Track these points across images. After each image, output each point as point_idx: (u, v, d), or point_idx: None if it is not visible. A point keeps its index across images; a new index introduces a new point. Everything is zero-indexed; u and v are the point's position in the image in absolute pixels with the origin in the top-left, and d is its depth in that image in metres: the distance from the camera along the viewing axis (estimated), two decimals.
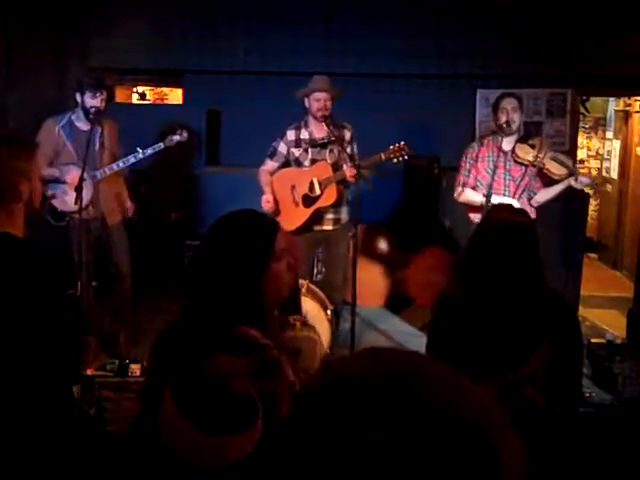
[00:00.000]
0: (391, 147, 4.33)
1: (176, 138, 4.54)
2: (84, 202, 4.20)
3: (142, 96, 8.07)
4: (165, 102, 8.59)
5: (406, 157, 4.35)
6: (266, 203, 4.60)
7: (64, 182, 4.35)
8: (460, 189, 4.47)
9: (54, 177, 4.36)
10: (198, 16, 6.04)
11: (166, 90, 8.57)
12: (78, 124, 4.45)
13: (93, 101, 4.35)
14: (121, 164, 4.47)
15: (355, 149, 4.63)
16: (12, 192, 1.82)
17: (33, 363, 1.75)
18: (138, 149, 4.48)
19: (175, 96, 8.07)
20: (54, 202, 4.39)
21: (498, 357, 2.22)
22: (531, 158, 4.32)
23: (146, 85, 7.73)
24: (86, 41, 6.11)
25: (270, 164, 4.73)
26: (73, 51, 6.12)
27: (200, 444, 1.39)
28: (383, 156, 4.33)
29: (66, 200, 4.33)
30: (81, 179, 4.12)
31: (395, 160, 4.35)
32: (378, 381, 0.63)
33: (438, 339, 2.40)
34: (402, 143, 4.33)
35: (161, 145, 4.51)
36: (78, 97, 4.39)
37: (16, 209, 1.84)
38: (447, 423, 0.60)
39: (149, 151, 4.47)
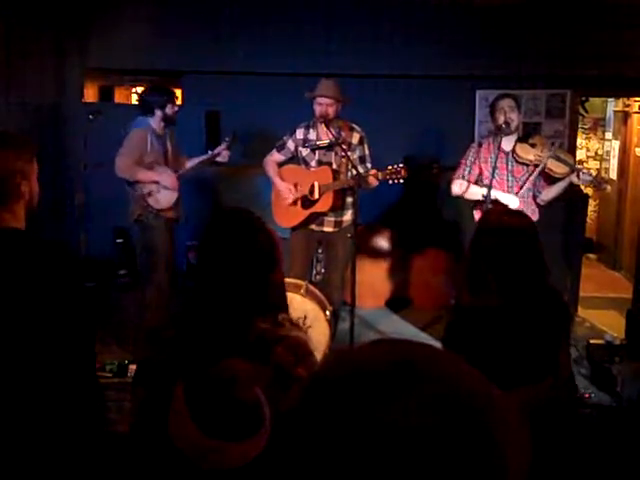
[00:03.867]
0: (389, 167, 4.25)
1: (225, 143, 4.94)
2: (173, 201, 4.63)
3: None
4: None
5: (402, 181, 4.26)
6: (288, 191, 4.61)
7: (164, 186, 4.61)
8: (460, 181, 4.40)
9: (153, 180, 4.60)
10: (198, 16, 6.04)
11: None
12: (157, 130, 4.71)
13: (174, 109, 4.73)
14: (196, 160, 4.90)
15: (367, 151, 4.60)
16: (15, 192, 1.88)
17: (51, 356, 1.78)
18: (209, 151, 4.99)
19: None
20: (149, 200, 4.60)
21: (517, 365, 2.23)
22: (532, 157, 4.30)
23: (145, 85, 7.71)
24: (86, 41, 6.11)
25: (277, 155, 4.75)
26: (73, 51, 6.12)
27: (204, 446, 1.39)
28: (380, 175, 4.26)
29: (159, 198, 4.60)
30: (179, 179, 4.66)
31: (390, 182, 4.26)
32: (384, 367, 0.65)
33: (453, 349, 2.40)
34: (400, 166, 4.23)
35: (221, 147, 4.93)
36: (157, 109, 4.65)
37: (18, 208, 1.90)
38: (450, 406, 0.62)
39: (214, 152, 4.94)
